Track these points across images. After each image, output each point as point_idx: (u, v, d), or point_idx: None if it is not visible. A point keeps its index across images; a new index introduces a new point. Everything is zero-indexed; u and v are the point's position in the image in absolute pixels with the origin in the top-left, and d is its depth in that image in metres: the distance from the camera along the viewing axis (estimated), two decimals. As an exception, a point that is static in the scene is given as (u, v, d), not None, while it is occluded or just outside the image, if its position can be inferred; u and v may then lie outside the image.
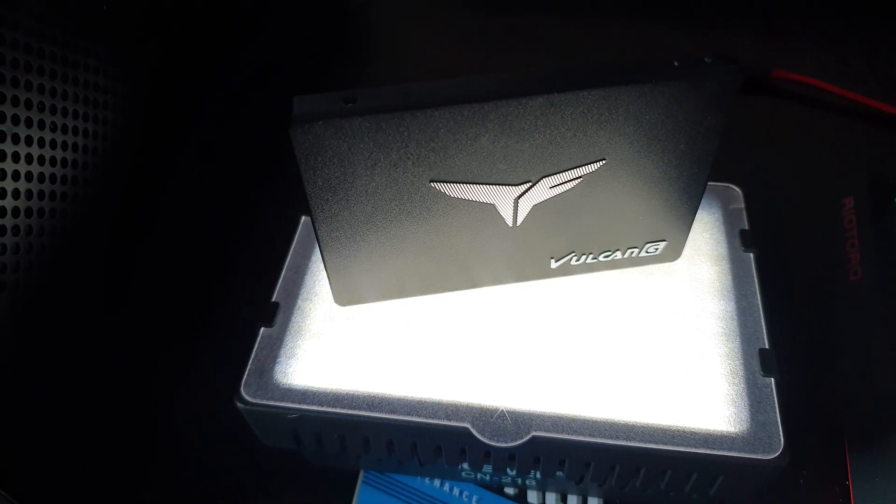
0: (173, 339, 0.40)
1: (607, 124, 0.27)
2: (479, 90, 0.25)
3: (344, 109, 0.25)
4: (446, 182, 0.28)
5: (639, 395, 0.30)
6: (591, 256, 0.33)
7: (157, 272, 0.43)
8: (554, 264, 0.33)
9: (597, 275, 0.34)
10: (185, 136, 0.46)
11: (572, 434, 0.29)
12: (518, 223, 0.30)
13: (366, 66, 0.59)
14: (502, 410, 0.30)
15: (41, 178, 0.32)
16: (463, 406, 0.30)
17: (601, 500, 0.35)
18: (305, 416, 0.30)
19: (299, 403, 0.30)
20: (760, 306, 0.33)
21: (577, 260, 0.33)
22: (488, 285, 0.34)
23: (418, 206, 0.28)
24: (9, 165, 0.29)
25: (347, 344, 0.32)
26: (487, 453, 0.30)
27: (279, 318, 0.33)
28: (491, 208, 0.29)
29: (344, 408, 0.30)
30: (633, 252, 0.33)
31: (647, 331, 0.32)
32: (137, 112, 0.40)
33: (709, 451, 0.28)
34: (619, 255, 0.33)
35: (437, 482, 0.36)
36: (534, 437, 0.29)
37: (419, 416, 0.29)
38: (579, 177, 0.29)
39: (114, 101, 0.37)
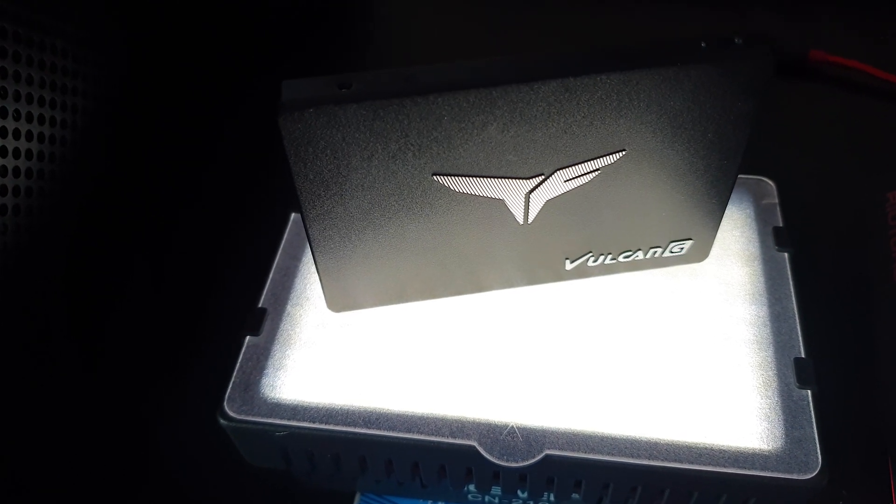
0: (150, 347, 0.40)
1: (627, 111, 0.27)
2: (487, 74, 0.25)
3: (338, 95, 0.25)
4: (450, 175, 0.28)
5: (662, 410, 0.30)
6: (609, 257, 0.33)
7: (131, 275, 0.43)
8: (569, 266, 0.33)
9: (616, 277, 0.34)
10: (164, 125, 0.46)
11: (589, 452, 0.29)
12: (529, 220, 0.30)
13: (364, 47, 0.59)
14: (512, 426, 0.30)
15: (3, 171, 0.32)
16: (469, 422, 0.30)
17: (621, 525, 0.35)
18: (296, 434, 0.30)
19: (289, 419, 0.30)
20: (796, 311, 0.33)
21: (595, 261, 0.33)
22: (497, 289, 0.34)
23: (420, 201, 0.28)
24: (-32, 158, 0.29)
25: (342, 354, 0.32)
26: (496, 474, 0.30)
27: (266, 325, 0.33)
28: (500, 204, 0.29)
29: (338, 424, 0.30)
30: (655, 252, 0.33)
31: (672, 339, 0.32)
32: (111, 99, 0.40)
33: (739, 471, 0.28)
34: (640, 255, 0.33)
35: (440, 506, 0.36)
36: (547, 456, 0.29)
37: (421, 433, 0.30)
38: (597, 169, 0.29)
39: (84, 86, 0.37)
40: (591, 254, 0.33)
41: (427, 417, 0.30)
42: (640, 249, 0.33)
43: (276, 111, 0.25)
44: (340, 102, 0.25)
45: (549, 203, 0.30)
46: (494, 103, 0.25)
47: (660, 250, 0.33)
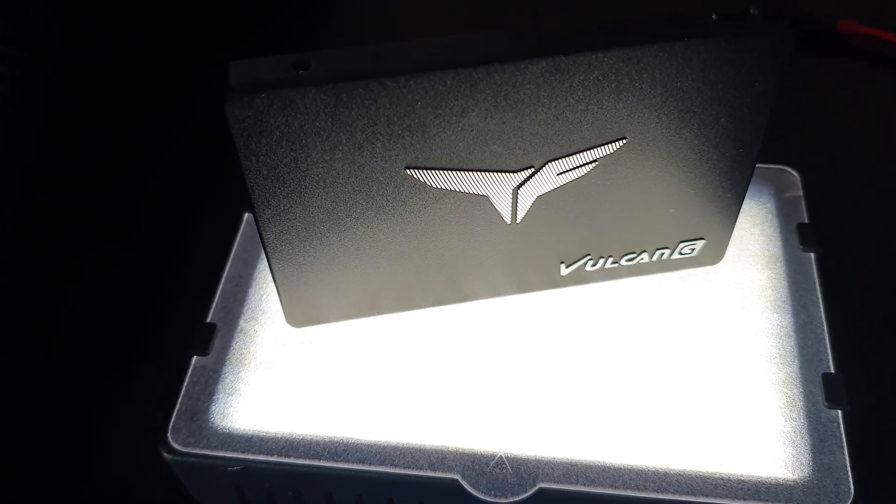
0: (83, 370, 0.40)
1: (628, 94, 0.27)
2: (467, 52, 0.25)
3: (294, 77, 0.25)
4: (426, 169, 0.27)
5: (673, 436, 0.30)
6: (610, 260, 0.33)
7: (62, 285, 0.43)
8: (564, 271, 0.33)
9: (618, 283, 0.34)
10: (99, 114, 0.46)
11: (590, 485, 0.29)
12: (518, 220, 0.30)
13: (327, 22, 0.59)
14: (500, 457, 0.30)
15: None
16: (451, 452, 0.30)
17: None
18: (251, 469, 0.30)
19: (243, 452, 0.30)
20: (824, 320, 0.33)
21: (594, 265, 0.33)
22: (482, 299, 0.34)
23: (391, 199, 0.28)
24: None
25: (304, 376, 0.32)
26: (483, 511, 0.30)
27: (216, 343, 0.33)
28: (484, 202, 0.29)
29: (300, 457, 0.30)
30: (663, 254, 0.33)
31: (682, 353, 0.32)
32: (40, 84, 0.39)
33: (761, 504, 0.29)
34: (645, 258, 0.33)
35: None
36: (541, 490, 0.29)
37: (396, 465, 0.29)
38: (594, 160, 0.29)
39: (6, 71, 0.37)
40: (589, 257, 0.33)
41: (402, 447, 0.30)
42: (644, 251, 0.33)
43: (223, 97, 0.24)
44: (297, 86, 0.24)
45: (541, 199, 0.30)
46: (475, 86, 0.25)
47: (668, 252, 0.33)
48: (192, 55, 0.51)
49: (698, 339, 0.33)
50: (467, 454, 0.30)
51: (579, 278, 0.34)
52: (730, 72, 0.27)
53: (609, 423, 0.30)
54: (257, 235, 0.33)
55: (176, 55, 0.52)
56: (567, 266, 0.33)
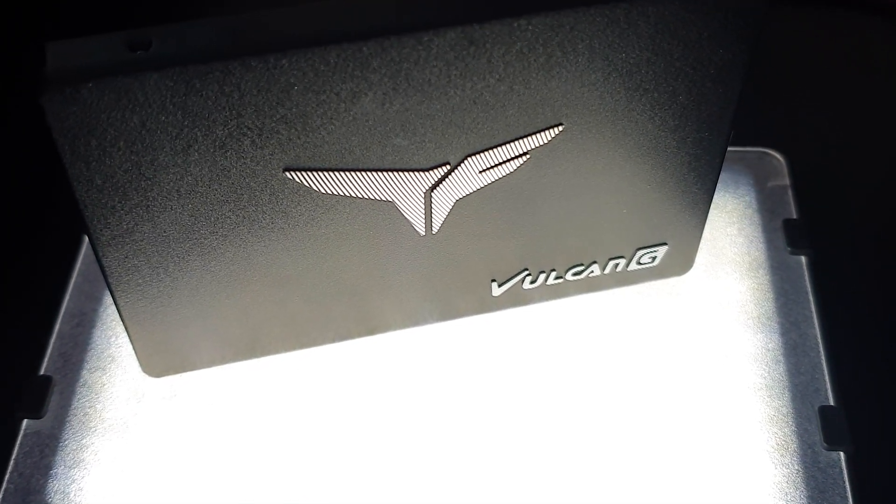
0: None
1: (562, 70, 0.26)
2: (355, 21, 0.25)
3: (131, 60, 0.24)
4: (311, 170, 0.27)
5: (641, 493, 0.30)
6: (553, 275, 0.33)
7: None
8: (497, 291, 0.33)
9: (565, 303, 0.34)
10: None
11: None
12: (434, 230, 0.30)
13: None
14: (422, 532, 0.29)
15: None
16: (359, 530, 0.30)
17: None
18: (101, 564, 0.29)
19: (89, 543, 0.29)
20: (820, 340, 0.34)
21: (533, 282, 0.33)
22: (396, 330, 0.34)
23: (269, 210, 0.28)
24: None
25: (167, 440, 0.32)
26: None
27: (52, 402, 0.32)
28: (389, 209, 0.29)
29: (164, 546, 0.29)
30: (618, 265, 0.34)
31: (647, 387, 0.33)
32: None
33: (748, 575, 0.29)
34: (596, 270, 0.33)
35: None
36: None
37: (288, 550, 0.29)
38: (524, 153, 0.28)
39: None
40: (526, 272, 0.33)
41: (296, 527, 0.30)
42: (595, 263, 0.33)
43: (38, 87, 0.23)
44: (134, 70, 0.24)
45: (461, 204, 0.29)
46: (367, 64, 0.25)
47: (623, 262, 0.33)
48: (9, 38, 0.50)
49: (666, 370, 0.33)
50: (381, 532, 0.30)
51: (516, 299, 0.34)
52: (687, 38, 0.27)
53: (564, 481, 0.30)
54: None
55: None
56: (500, 285, 0.33)
